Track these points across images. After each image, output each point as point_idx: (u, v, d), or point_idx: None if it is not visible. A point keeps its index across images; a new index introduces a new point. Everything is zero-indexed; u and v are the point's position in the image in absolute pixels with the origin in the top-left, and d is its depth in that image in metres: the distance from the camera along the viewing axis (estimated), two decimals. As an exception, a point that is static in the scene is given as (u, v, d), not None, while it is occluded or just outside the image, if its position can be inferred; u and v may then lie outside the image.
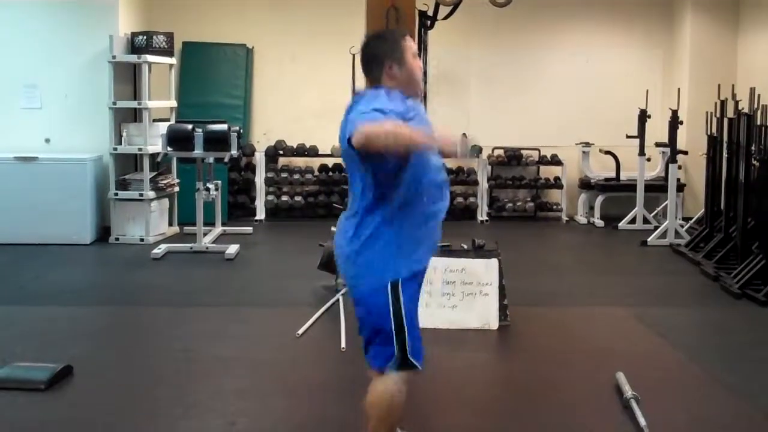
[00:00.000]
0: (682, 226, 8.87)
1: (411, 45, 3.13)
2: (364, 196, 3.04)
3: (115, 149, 8.42)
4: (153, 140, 8.39)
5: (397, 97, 3.04)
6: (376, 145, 2.78)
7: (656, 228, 8.91)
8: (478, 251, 5.42)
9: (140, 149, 8.41)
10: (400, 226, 3.04)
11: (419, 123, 3.01)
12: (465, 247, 5.48)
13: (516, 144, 10.16)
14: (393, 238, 3.03)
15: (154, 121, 8.74)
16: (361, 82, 3.24)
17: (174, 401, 4.10)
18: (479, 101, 10.35)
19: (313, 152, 9.83)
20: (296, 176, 9.86)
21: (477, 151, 3.19)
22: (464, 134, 3.05)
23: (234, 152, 7.99)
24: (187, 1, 9.89)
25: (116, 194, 8.38)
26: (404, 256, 3.05)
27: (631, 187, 9.50)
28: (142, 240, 8.30)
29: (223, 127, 7.99)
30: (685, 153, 9.40)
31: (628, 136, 9.34)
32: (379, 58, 3.08)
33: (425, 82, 5.80)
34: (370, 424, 3.13)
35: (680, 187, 9.58)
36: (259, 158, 9.80)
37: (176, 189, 8.96)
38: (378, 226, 3.03)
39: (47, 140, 8.56)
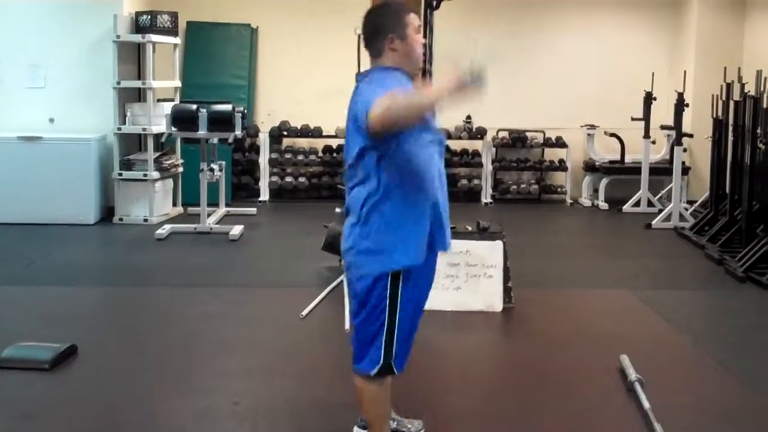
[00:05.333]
0: (686, 209, 8.84)
1: (414, 20, 3.07)
2: (368, 183, 2.97)
3: (119, 129, 8.40)
4: (157, 120, 8.36)
5: (400, 78, 3.00)
6: (392, 120, 2.75)
7: (661, 211, 8.88)
8: (483, 233, 5.42)
9: (144, 129, 8.39)
10: (404, 212, 2.96)
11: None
12: (469, 229, 5.47)
13: (521, 126, 10.12)
14: (398, 223, 2.95)
15: (159, 101, 8.71)
16: (365, 64, 3.20)
17: (177, 381, 4.12)
18: (484, 82, 10.29)
19: (317, 133, 9.81)
20: (300, 157, 9.85)
21: (481, 74, 2.73)
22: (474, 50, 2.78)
23: (238, 133, 7.98)
24: (191, -20, 9.85)
25: (120, 174, 8.37)
26: (409, 246, 2.97)
27: (635, 169, 9.48)
28: (145, 220, 8.30)
29: (228, 107, 7.97)
30: (691, 136, 9.35)
31: (633, 119, 9.31)
32: (381, 29, 3.03)
33: (430, 63, 5.78)
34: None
35: (685, 170, 9.56)
36: (263, 139, 9.78)
37: (180, 169, 8.95)
38: (383, 211, 2.95)
39: (51, 120, 8.54)
